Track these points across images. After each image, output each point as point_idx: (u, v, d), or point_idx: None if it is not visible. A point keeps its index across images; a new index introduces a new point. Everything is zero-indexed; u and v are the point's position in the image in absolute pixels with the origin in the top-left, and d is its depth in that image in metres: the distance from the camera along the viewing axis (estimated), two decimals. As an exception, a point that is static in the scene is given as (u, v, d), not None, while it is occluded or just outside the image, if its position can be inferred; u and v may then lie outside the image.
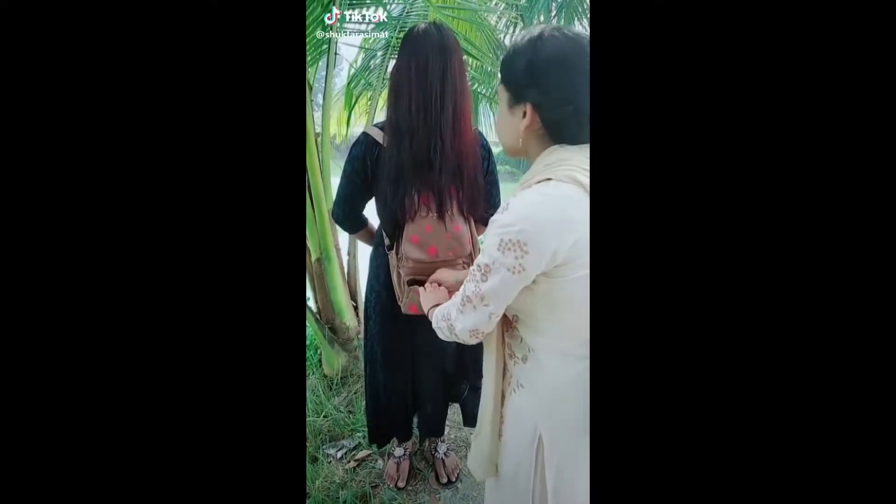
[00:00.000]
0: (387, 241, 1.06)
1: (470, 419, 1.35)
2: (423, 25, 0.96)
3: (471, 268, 0.65)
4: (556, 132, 0.61)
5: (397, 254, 1.01)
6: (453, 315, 0.67)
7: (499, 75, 0.68)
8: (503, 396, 0.72)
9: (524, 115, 0.61)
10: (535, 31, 0.61)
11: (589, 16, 2.77)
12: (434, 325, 0.74)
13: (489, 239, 0.60)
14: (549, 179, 0.58)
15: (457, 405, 1.38)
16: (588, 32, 0.61)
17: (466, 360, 1.23)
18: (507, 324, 0.69)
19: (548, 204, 0.56)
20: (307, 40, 1.55)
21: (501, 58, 0.67)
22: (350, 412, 1.67)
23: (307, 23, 1.49)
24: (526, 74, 0.60)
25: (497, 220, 0.59)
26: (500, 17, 2.51)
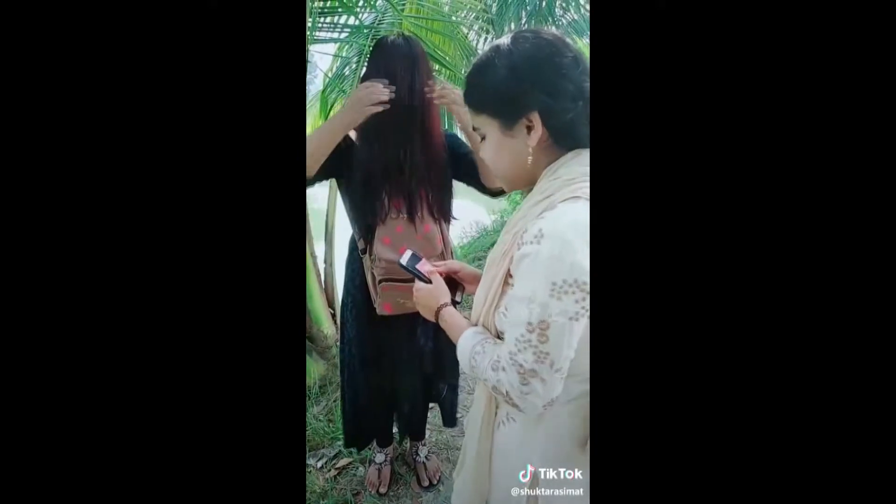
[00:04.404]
0: (360, 245, 1.06)
1: (449, 419, 1.36)
2: (391, 37, 0.99)
3: (514, 331, 0.52)
4: (564, 137, 0.54)
5: (370, 255, 1.02)
6: (517, 398, 0.53)
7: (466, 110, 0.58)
8: (491, 430, 0.65)
9: (529, 129, 0.53)
10: (501, 41, 0.55)
11: (561, 23, 2.84)
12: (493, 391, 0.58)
13: (533, 281, 0.50)
14: (579, 198, 0.51)
15: (436, 407, 1.38)
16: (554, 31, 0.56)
17: (445, 360, 1.24)
18: None
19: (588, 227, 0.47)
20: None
21: (470, 85, 0.57)
22: (330, 421, 1.65)
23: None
24: (523, 80, 0.52)
25: (536, 253, 0.49)
26: (471, 26, 2.55)
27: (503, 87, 0.53)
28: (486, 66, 0.55)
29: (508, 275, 0.56)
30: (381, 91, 0.90)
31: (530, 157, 0.55)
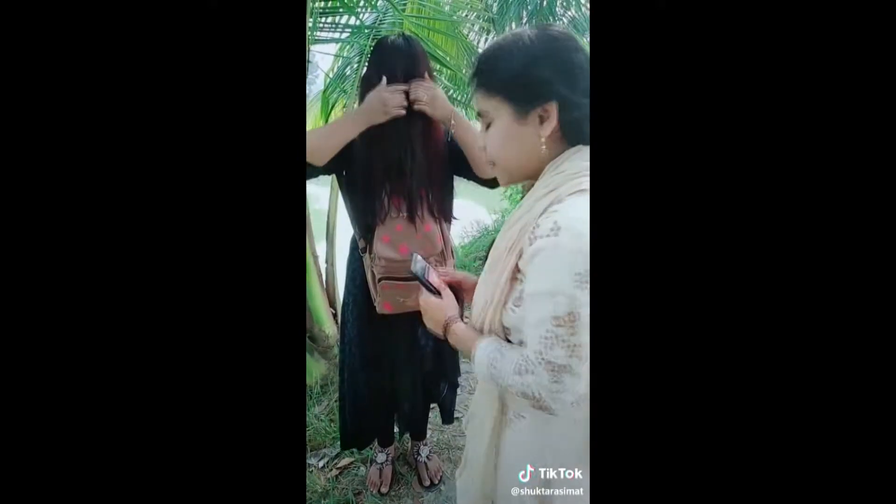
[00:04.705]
0: (360, 244, 1.07)
1: (448, 417, 1.36)
2: (392, 37, 0.99)
3: (538, 329, 0.52)
4: (571, 132, 0.55)
5: (370, 254, 1.02)
6: (548, 398, 0.52)
7: (474, 93, 0.58)
8: (499, 428, 0.64)
9: (542, 119, 0.54)
10: (522, 29, 0.56)
11: (561, 21, 2.83)
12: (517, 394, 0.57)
13: (555, 273, 0.50)
14: (585, 191, 0.52)
15: (436, 406, 1.38)
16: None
17: (445, 357, 1.24)
18: None
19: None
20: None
21: (486, 67, 0.56)
22: (331, 420, 1.65)
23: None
24: (546, 69, 0.52)
25: (554, 246, 0.49)
26: (472, 26, 2.55)
27: (524, 73, 0.53)
28: (507, 50, 0.55)
29: (516, 270, 0.55)
30: (402, 98, 0.93)
31: (543, 147, 0.55)
